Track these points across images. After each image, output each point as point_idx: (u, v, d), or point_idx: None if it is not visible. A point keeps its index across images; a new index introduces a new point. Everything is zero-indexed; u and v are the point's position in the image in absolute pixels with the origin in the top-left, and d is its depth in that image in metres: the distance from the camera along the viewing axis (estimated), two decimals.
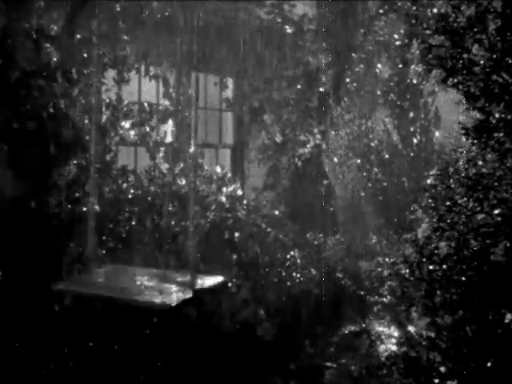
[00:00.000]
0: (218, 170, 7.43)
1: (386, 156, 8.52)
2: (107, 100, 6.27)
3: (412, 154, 8.39)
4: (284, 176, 9.35)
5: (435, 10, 4.01)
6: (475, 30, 3.82)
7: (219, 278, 4.85)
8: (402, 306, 4.43)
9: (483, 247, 3.88)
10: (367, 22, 9.14)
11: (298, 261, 6.87)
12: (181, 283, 4.55)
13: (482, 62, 3.83)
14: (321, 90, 9.42)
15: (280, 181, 9.29)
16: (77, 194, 5.46)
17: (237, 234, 6.47)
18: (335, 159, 8.92)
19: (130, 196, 6.14)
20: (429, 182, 4.39)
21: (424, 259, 4.12)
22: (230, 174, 7.60)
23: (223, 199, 6.79)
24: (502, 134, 3.82)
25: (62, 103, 5.32)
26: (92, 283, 4.68)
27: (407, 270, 4.20)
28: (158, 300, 4.23)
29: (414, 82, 8.46)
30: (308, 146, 9.40)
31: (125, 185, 6.21)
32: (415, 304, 4.23)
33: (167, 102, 7.88)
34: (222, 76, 8.96)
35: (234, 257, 6.35)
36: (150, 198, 6.26)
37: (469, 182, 3.98)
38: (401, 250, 4.70)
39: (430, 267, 4.08)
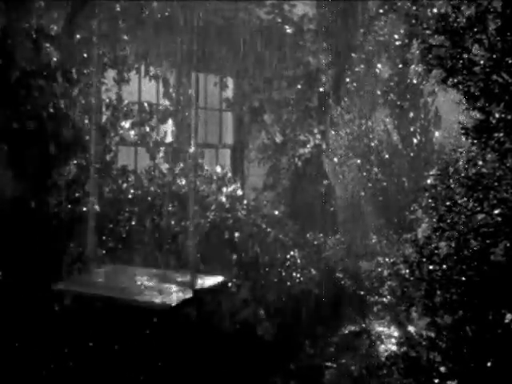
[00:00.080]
0: (218, 170, 7.43)
1: (386, 156, 8.52)
2: (107, 100, 6.27)
3: (412, 154, 8.39)
4: (284, 176, 9.35)
5: (435, 10, 4.01)
6: (475, 29, 3.82)
7: (219, 278, 4.85)
8: (402, 306, 4.43)
9: (483, 247, 3.88)
10: (367, 22, 9.14)
11: (298, 261, 6.87)
12: (181, 283, 4.55)
13: (482, 62, 3.83)
14: (321, 90, 9.41)
15: (280, 181, 9.29)
16: (77, 194, 5.46)
17: (237, 234, 6.47)
18: (335, 159, 8.93)
19: (129, 196, 6.14)
20: (429, 182, 4.39)
21: (424, 259, 4.12)
22: (230, 174, 7.60)
23: (223, 199, 6.79)
24: (501, 134, 3.82)
25: (61, 103, 5.32)
26: (92, 283, 4.68)
27: (407, 270, 4.20)
28: (158, 300, 4.24)
29: (414, 82, 8.46)
30: (308, 146, 9.40)
31: (125, 185, 6.21)
32: (415, 304, 4.24)
33: (167, 102, 7.88)
34: (221, 76, 8.96)
35: (234, 257, 6.35)
36: (149, 198, 6.26)
37: (469, 182, 3.98)
38: (401, 250, 4.70)
39: (430, 267, 4.08)
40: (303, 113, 9.34)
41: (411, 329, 4.67)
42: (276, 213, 7.47)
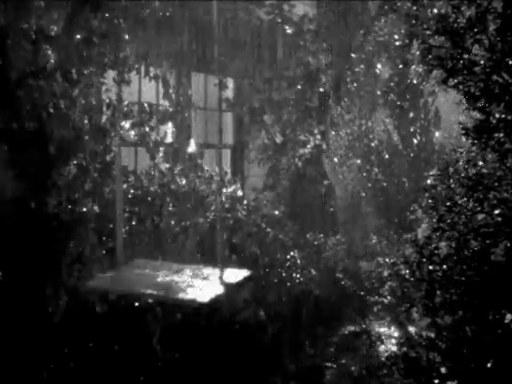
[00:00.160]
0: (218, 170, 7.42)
1: (386, 156, 8.52)
2: (107, 100, 6.27)
3: (412, 155, 8.39)
4: (284, 176, 9.35)
5: (435, 11, 4.01)
6: (475, 30, 3.82)
7: (245, 272, 4.81)
8: (402, 307, 4.43)
9: (483, 247, 3.88)
10: (367, 23, 9.14)
11: (298, 261, 6.87)
12: (210, 278, 4.49)
13: (482, 63, 3.82)
14: (321, 90, 9.42)
15: (280, 181, 9.29)
16: (77, 195, 5.46)
17: (237, 235, 6.47)
18: (335, 159, 8.92)
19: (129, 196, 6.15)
20: (429, 182, 4.38)
21: (424, 259, 4.12)
22: (229, 175, 7.61)
23: (223, 199, 6.79)
24: (502, 134, 3.82)
25: (61, 103, 5.32)
26: (122, 280, 4.63)
27: (407, 271, 4.20)
28: (192, 297, 4.18)
29: (414, 82, 8.46)
30: (308, 146, 9.41)
31: (125, 185, 6.21)
32: (415, 304, 4.23)
33: (167, 103, 7.89)
34: (221, 76, 8.96)
35: (234, 257, 6.35)
36: (149, 198, 6.26)
37: (469, 182, 3.98)
38: (401, 251, 4.71)
39: (430, 267, 4.08)
40: (303, 113, 9.34)
41: (411, 329, 4.67)
42: (276, 213, 7.47)
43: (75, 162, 5.48)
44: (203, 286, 4.40)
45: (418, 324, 4.46)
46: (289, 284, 6.56)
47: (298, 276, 6.71)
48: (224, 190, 6.96)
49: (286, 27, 9.14)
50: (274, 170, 9.33)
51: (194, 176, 6.90)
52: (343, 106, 8.97)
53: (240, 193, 7.26)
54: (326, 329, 6.68)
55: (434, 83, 6.69)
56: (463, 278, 3.93)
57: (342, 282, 7.31)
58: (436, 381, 4.03)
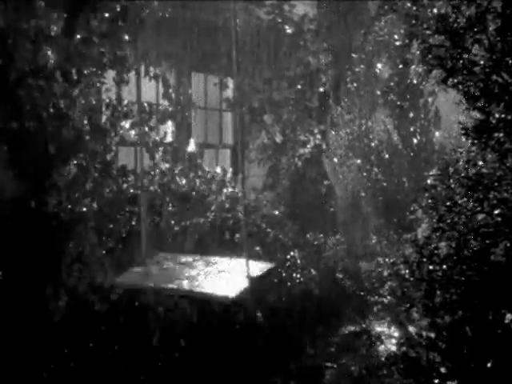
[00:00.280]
0: (218, 170, 7.43)
1: (386, 156, 8.51)
2: (107, 100, 6.27)
3: (412, 154, 8.38)
4: (284, 176, 9.35)
5: (435, 11, 4.01)
6: (475, 30, 3.82)
7: (268, 265, 4.78)
8: (402, 307, 4.42)
9: (483, 247, 3.88)
10: (367, 23, 9.13)
11: (298, 261, 6.87)
12: (235, 270, 4.44)
13: (482, 62, 3.82)
14: (321, 90, 9.42)
15: (280, 181, 9.29)
16: (76, 194, 5.46)
17: (237, 235, 6.47)
18: (335, 159, 8.92)
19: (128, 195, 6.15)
20: (429, 182, 4.38)
21: (424, 259, 4.12)
22: (229, 175, 7.61)
23: (223, 199, 6.79)
24: (502, 134, 3.82)
25: (61, 103, 5.32)
26: (149, 276, 4.60)
27: (407, 271, 4.20)
28: (220, 292, 4.15)
29: (414, 82, 8.46)
30: (308, 146, 9.41)
31: (125, 185, 6.20)
32: (415, 304, 4.23)
33: (167, 103, 7.89)
34: (221, 76, 8.96)
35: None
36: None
37: (469, 182, 3.97)
38: (401, 251, 4.70)
39: (430, 267, 4.08)
40: (303, 113, 9.34)
41: (411, 329, 4.66)
42: (276, 213, 7.47)
43: (75, 161, 5.48)
44: (229, 278, 4.34)
45: (417, 324, 4.45)
46: (289, 284, 6.56)
47: (298, 276, 6.71)
48: (224, 190, 6.96)
49: (286, 27, 9.15)
50: (274, 169, 9.33)
51: (194, 175, 6.91)
52: (343, 105, 8.97)
53: (240, 193, 7.26)
54: (326, 328, 6.68)
55: (433, 83, 6.69)
56: (463, 278, 3.93)
57: (342, 282, 7.31)
58: (436, 381, 4.03)
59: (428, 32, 3.98)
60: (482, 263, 3.87)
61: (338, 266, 7.51)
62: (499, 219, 3.84)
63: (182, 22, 7.81)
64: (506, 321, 3.83)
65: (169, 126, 7.97)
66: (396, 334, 6.28)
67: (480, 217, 3.93)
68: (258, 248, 6.25)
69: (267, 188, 9.19)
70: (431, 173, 4.45)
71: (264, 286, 5.64)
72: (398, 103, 8.51)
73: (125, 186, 6.18)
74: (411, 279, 4.18)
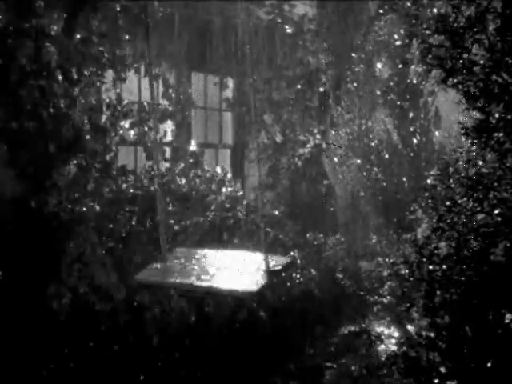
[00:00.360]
0: (219, 170, 7.43)
1: (386, 156, 8.51)
2: (107, 100, 6.28)
3: (412, 154, 8.38)
4: (284, 176, 9.35)
5: (435, 10, 4.01)
6: (475, 30, 3.82)
7: (287, 259, 4.76)
8: (402, 306, 4.42)
9: (483, 247, 3.88)
10: (367, 22, 9.13)
11: (298, 261, 6.87)
12: (254, 265, 4.42)
13: (481, 62, 3.82)
14: (321, 89, 9.42)
15: (280, 181, 9.29)
16: (76, 194, 5.46)
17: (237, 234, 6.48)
18: (335, 159, 8.92)
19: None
20: (429, 182, 4.38)
21: (424, 259, 4.12)
22: (230, 175, 7.61)
23: (223, 199, 6.79)
24: (501, 134, 3.82)
25: (61, 103, 5.32)
26: (168, 272, 4.56)
27: (407, 271, 4.20)
28: (242, 287, 4.13)
29: (414, 82, 8.46)
30: (308, 145, 9.41)
31: (124, 185, 6.20)
32: (415, 304, 4.23)
33: (166, 102, 7.89)
34: (221, 76, 8.97)
35: None
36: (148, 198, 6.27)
37: (469, 182, 3.97)
38: (401, 250, 4.70)
39: (430, 267, 4.08)
40: (303, 113, 9.34)
41: (411, 329, 4.67)
42: (276, 213, 7.47)
43: (75, 161, 5.48)
44: (249, 273, 4.31)
45: (417, 324, 4.45)
46: (289, 284, 6.55)
47: (298, 276, 6.71)
48: (224, 190, 6.96)
49: (286, 27, 9.15)
50: (274, 169, 9.33)
51: (194, 175, 6.91)
52: (343, 105, 8.97)
53: (240, 192, 7.26)
54: (326, 328, 6.67)
55: (433, 83, 6.69)
56: (463, 278, 3.93)
57: (342, 282, 7.31)
58: (436, 380, 4.03)
59: (428, 32, 3.98)
60: (481, 263, 3.87)
61: (338, 266, 7.51)
62: (499, 219, 3.84)
63: (181, 22, 7.82)
64: (506, 321, 3.83)
65: (169, 126, 7.97)
66: (396, 334, 6.28)
67: (480, 217, 3.93)
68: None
69: (267, 188, 9.18)
70: (431, 173, 4.45)
71: (281, 279, 5.65)
72: (398, 103, 8.51)
73: (124, 185, 6.18)
74: (411, 279, 4.18)
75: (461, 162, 4.13)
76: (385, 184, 8.42)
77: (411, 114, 8.51)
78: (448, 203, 4.06)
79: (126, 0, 6.21)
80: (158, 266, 4.65)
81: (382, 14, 8.90)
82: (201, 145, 8.41)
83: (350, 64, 9.10)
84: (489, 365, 3.81)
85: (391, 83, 8.61)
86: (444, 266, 4.01)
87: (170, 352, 5.37)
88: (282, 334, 6.12)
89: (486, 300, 3.86)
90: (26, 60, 5.07)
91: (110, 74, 6.34)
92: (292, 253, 6.89)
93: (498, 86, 3.79)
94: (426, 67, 4.07)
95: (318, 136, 9.38)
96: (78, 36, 5.62)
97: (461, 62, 3.86)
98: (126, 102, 6.80)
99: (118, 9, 6.17)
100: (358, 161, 8.61)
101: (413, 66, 8.19)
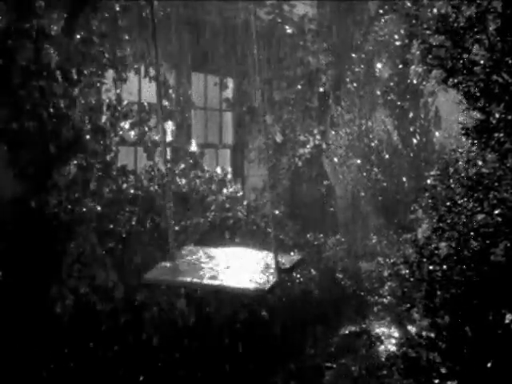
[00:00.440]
0: (219, 170, 7.43)
1: (386, 156, 8.52)
2: (107, 100, 6.27)
3: (412, 154, 8.38)
4: (284, 176, 9.35)
5: (435, 10, 4.01)
6: (475, 30, 3.82)
7: (297, 257, 4.75)
8: (403, 307, 4.42)
9: (483, 247, 3.88)
10: (367, 22, 9.14)
11: None
12: (263, 263, 4.41)
13: (482, 62, 3.82)
14: (321, 89, 9.41)
15: (280, 181, 9.29)
16: (77, 195, 5.45)
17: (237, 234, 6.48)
18: (335, 159, 8.92)
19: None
20: (429, 182, 4.38)
21: (424, 259, 4.12)
22: (230, 175, 7.61)
23: (223, 199, 6.79)
24: (502, 134, 3.82)
25: (61, 103, 5.31)
26: (177, 271, 4.55)
27: (407, 271, 4.20)
28: (253, 285, 4.12)
29: (414, 82, 8.46)
30: (308, 146, 9.40)
31: (125, 185, 6.20)
32: (415, 304, 4.23)
33: (166, 103, 7.88)
34: (221, 76, 8.96)
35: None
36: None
37: (469, 182, 3.98)
38: (401, 251, 4.70)
39: (431, 267, 4.08)
40: (303, 113, 9.34)
41: (411, 329, 4.66)
42: (276, 213, 7.46)
43: (75, 161, 5.48)
44: (259, 271, 4.30)
45: (418, 324, 4.45)
46: (289, 284, 6.55)
47: (298, 276, 6.71)
48: (224, 190, 6.95)
49: (287, 27, 9.14)
50: (274, 169, 9.33)
51: (194, 175, 6.90)
52: (343, 105, 8.97)
53: (240, 192, 7.26)
54: (327, 329, 6.67)
55: (433, 83, 6.69)
56: (463, 278, 3.93)
57: (343, 282, 7.31)
58: (436, 381, 4.03)
59: (428, 32, 3.99)
60: (482, 263, 3.87)
61: (338, 266, 7.51)
62: (499, 219, 3.84)
63: (181, 22, 7.81)
64: (506, 321, 3.82)
65: (169, 126, 7.96)
66: (396, 335, 6.28)
67: (480, 217, 3.93)
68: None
69: (265, 188, 9.18)
70: (431, 173, 4.45)
71: (291, 277, 5.66)
72: (398, 103, 8.52)
73: (125, 186, 6.18)
74: (411, 279, 4.18)
75: (461, 162, 4.13)
76: (385, 184, 8.43)
77: (411, 115, 8.52)
78: (448, 203, 4.06)
79: (126, 0, 6.20)
80: (168, 264, 4.61)
81: (382, 14, 8.91)
82: (201, 145, 8.41)
83: (350, 64, 9.10)
84: (489, 365, 3.81)
85: (391, 83, 8.61)
86: (444, 267, 4.01)
87: (169, 352, 5.37)
88: (282, 334, 6.11)
89: (486, 300, 3.86)
90: (26, 60, 5.07)
91: (110, 75, 6.34)
92: (292, 253, 6.88)
93: (498, 86, 3.79)
94: (426, 67, 4.07)
95: (318, 136, 9.38)
96: (78, 36, 5.61)
97: (461, 62, 3.86)
98: (125, 102, 6.80)
99: (118, 9, 6.17)
100: (358, 161, 8.61)
101: (413, 67, 8.19)
